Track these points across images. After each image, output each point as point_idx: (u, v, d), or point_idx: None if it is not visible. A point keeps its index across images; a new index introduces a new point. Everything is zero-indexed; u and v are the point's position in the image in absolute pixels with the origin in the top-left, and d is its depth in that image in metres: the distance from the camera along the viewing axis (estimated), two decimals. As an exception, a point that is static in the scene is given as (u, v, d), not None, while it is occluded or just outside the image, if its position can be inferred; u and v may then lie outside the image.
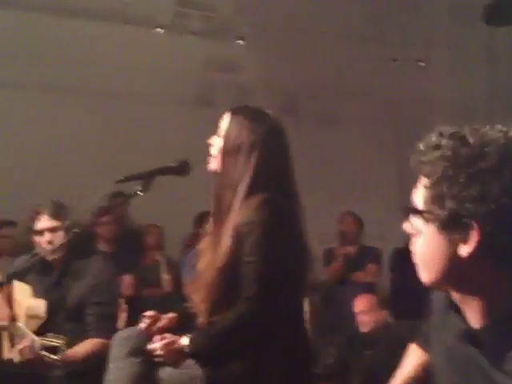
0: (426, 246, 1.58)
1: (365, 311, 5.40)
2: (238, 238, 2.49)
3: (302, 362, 2.62)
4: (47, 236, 3.62)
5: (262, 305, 2.44)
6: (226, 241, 2.51)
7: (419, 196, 1.60)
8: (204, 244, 2.72)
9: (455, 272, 1.56)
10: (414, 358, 2.23)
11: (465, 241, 1.51)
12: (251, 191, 2.55)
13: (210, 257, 2.61)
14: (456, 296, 1.63)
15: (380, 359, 4.68)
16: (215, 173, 2.70)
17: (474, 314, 1.59)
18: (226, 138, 2.65)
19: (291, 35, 7.82)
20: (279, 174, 2.65)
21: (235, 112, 2.71)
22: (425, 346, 2.13)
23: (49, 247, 3.36)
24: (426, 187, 1.57)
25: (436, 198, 1.53)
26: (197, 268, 2.72)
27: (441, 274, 1.57)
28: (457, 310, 1.65)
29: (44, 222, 3.70)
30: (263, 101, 7.36)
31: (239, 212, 2.53)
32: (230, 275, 2.50)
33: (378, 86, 8.35)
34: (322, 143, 8.18)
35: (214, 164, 2.69)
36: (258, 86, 7.89)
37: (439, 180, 1.53)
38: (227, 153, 2.64)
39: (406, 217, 1.63)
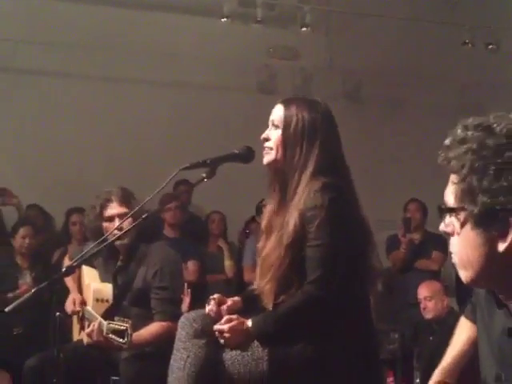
0: (463, 245, 1.50)
1: (429, 297, 5.37)
2: (303, 222, 2.52)
3: (367, 346, 2.62)
4: (117, 222, 3.68)
5: (327, 288, 2.47)
6: (291, 222, 2.54)
7: (451, 194, 1.53)
8: (268, 229, 2.74)
9: (495, 269, 1.48)
10: (463, 332, 2.18)
11: (502, 236, 1.43)
12: (314, 176, 2.58)
13: (275, 239, 2.63)
14: (500, 293, 1.57)
15: (444, 345, 4.64)
16: (273, 163, 2.71)
17: None
18: (286, 128, 2.67)
19: (355, 21, 7.75)
20: (337, 158, 2.68)
21: (287, 102, 2.72)
22: (473, 316, 2.08)
23: (117, 233, 3.43)
24: (455, 183, 1.50)
25: (467, 194, 1.46)
26: (259, 252, 2.75)
27: (480, 272, 1.49)
28: (502, 306, 1.60)
29: (114, 208, 3.79)
30: (327, 88, 7.33)
31: (302, 196, 2.55)
32: (296, 255, 2.53)
33: (446, 71, 8.17)
34: (387, 129, 8.10)
35: (272, 156, 2.70)
36: (322, 73, 7.84)
37: (468, 174, 1.46)
38: (289, 142, 2.66)
39: (440, 217, 1.55)
